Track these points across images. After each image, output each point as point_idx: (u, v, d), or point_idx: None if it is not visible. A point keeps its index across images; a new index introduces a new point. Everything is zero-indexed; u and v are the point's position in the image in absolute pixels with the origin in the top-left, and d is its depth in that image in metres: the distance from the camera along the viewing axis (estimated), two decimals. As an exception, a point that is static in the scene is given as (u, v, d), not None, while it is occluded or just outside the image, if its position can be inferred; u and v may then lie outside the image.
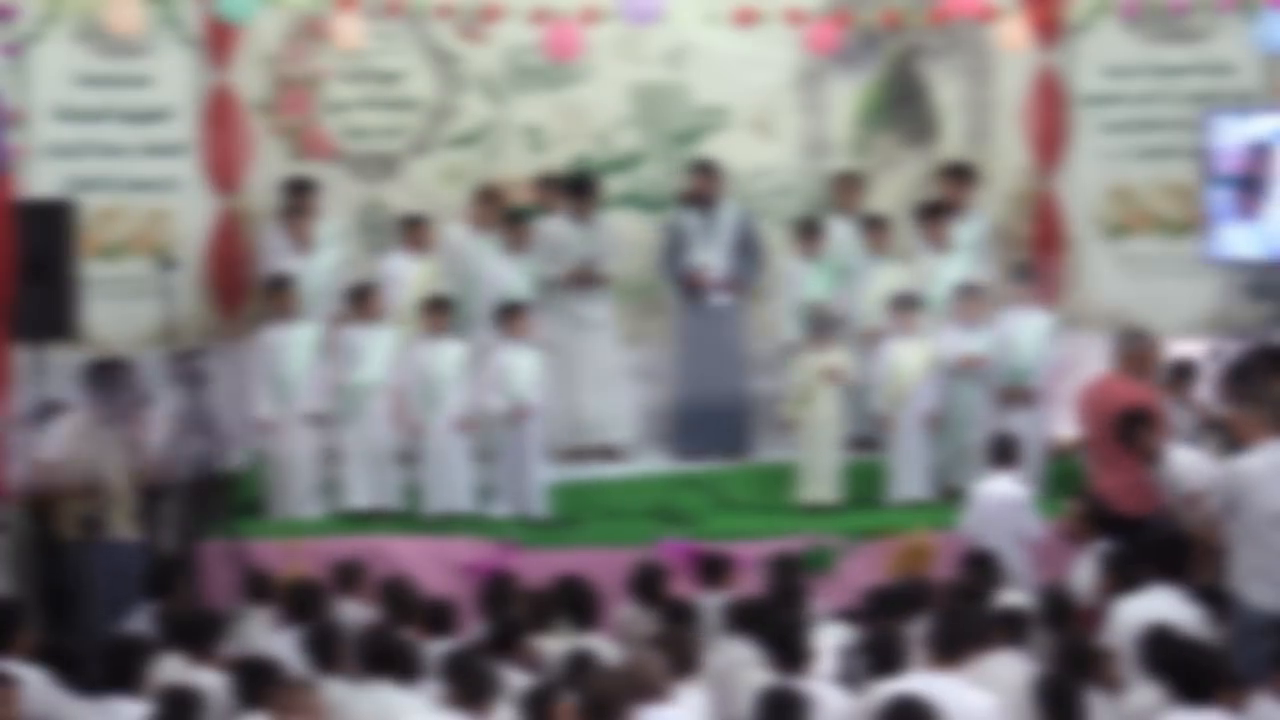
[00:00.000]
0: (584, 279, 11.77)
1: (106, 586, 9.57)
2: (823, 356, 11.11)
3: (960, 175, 12.07)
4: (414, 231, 11.73)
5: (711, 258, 11.79)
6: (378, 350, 11.06)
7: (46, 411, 10.13)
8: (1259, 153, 11.28)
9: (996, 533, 9.69)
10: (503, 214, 11.84)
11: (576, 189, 11.91)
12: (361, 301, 11.15)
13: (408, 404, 10.98)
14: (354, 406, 11.01)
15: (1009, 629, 7.79)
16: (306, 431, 11.01)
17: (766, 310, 12.10)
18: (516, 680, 7.74)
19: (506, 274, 11.59)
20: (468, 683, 7.00)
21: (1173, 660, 6.71)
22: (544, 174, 12.13)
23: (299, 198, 11.69)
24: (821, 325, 11.22)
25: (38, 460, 9.90)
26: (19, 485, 9.89)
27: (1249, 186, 11.35)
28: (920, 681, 6.87)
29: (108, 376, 10.19)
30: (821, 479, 11.13)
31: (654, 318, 12.24)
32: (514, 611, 8.84)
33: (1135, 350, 10.29)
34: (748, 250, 11.89)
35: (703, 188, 11.90)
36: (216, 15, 11.46)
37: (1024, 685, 6.99)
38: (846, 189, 12.18)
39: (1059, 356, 11.31)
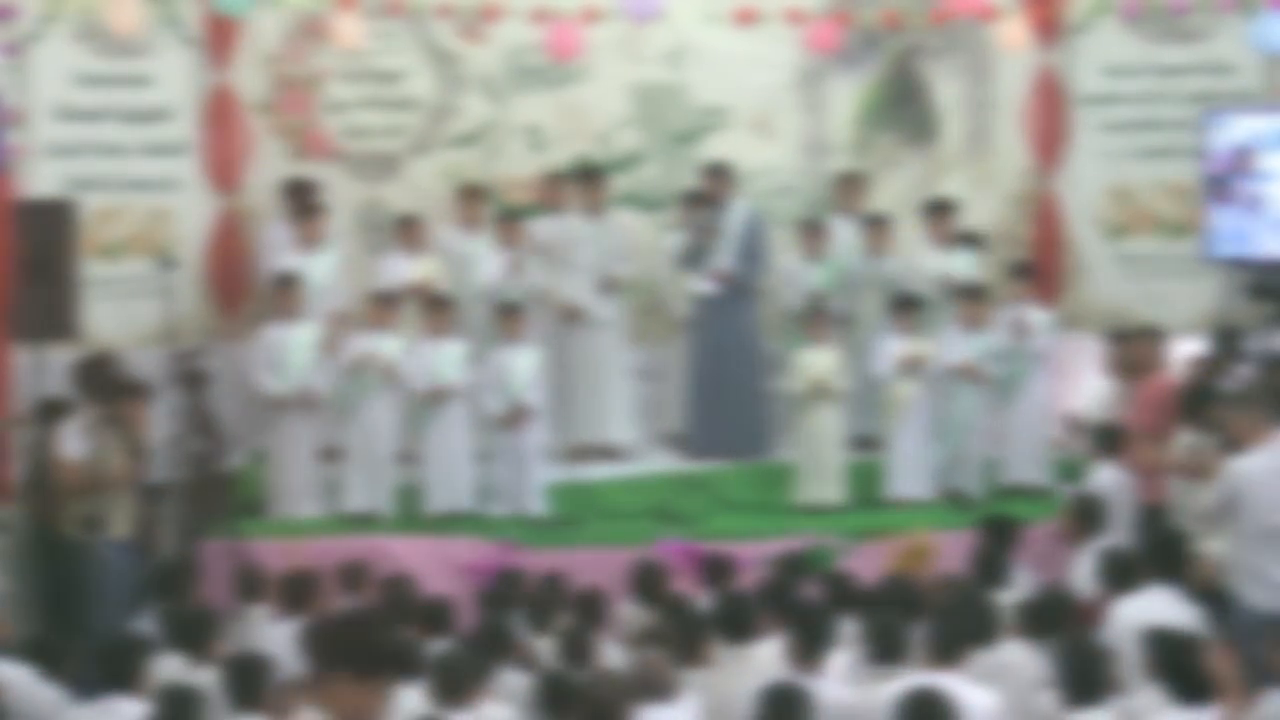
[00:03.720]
0: (607, 285, 11.80)
1: (107, 586, 9.58)
2: (818, 355, 11.10)
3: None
4: (409, 231, 11.72)
5: (720, 258, 11.75)
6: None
7: (51, 411, 10.12)
8: (1241, 155, 11.33)
9: None
10: (495, 213, 11.84)
11: (585, 179, 11.89)
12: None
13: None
14: (354, 403, 11.00)
15: (1018, 621, 7.83)
16: (306, 431, 10.99)
17: (770, 310, 12.09)
18: (515, 680, 7.75)
19: (499, 273, 11.57)
20: (448, 679, 7.01)
21: (1171, 660, 6.71)
22: (548, 172, 12.11)
23: (300, 198, 11.69)
24: (818, 321, 11.20)
25: (56, 460, 9.87)
26: (28, 485, 9.90)
27: (1231, 187, 11.40)
28: (921, 680, 6.85)
29: (97, 373, 10.18)
30: (824, 479, 11.12)
31: (657, 316, 12.20)
32: (513, 611, 8.87)
33: (1133, 351, 10.35)
34: (752, 250, 11.85)
35: (713, 189, 11.87)
36: (216, 15, 11.48)
37: (1034, 677, 7.01)
38: (849, 189, 12.16)
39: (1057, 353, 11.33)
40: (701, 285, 11.71)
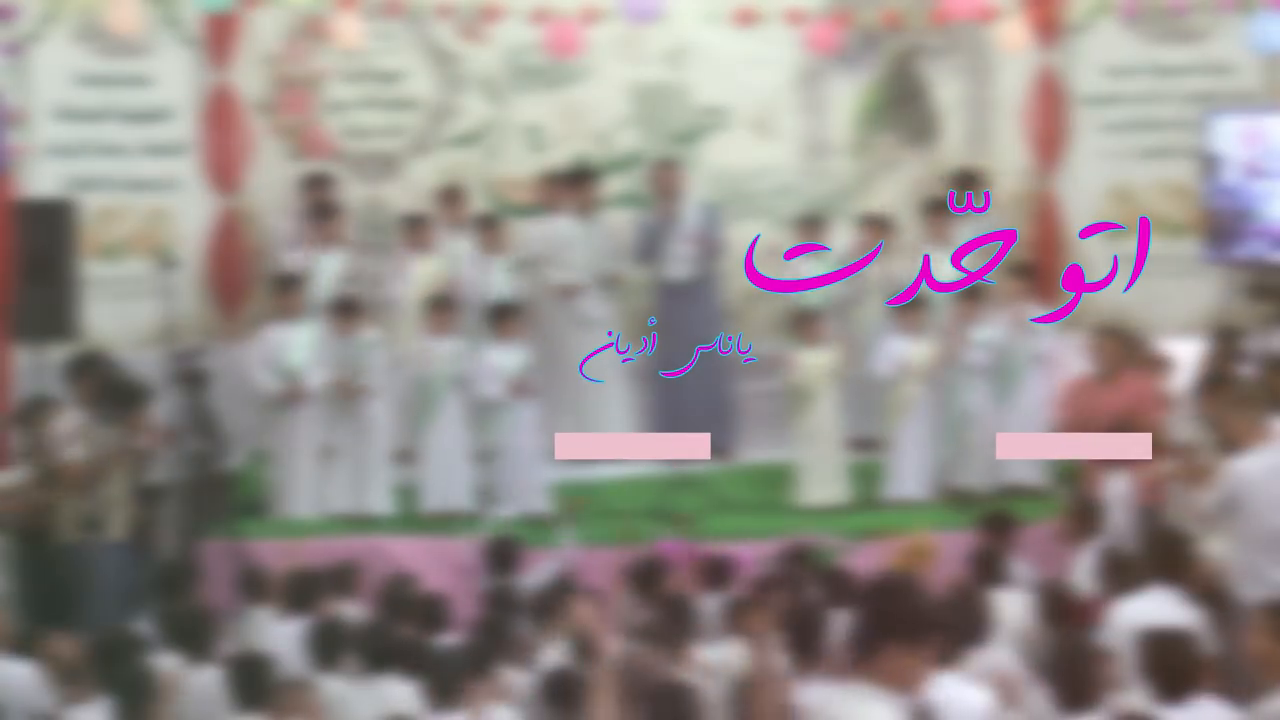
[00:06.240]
0: (604, 283, 11.80)
1: (102, 588, 9.57)
2: (816, 354, 11.10)
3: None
4: (415, 231, 11.73)
5: (679, 243, 11.72)
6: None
7: (40, 409, 10.08)
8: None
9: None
10: (476, 215, 11.84)
11: (576, 181, 11.88)
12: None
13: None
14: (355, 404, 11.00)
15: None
16: (306, 431, 10.97)
17: (762, 310, 12.08)
18: (516, 679, 7.75)
19: (483, 274, 11.57)
20: (441, 680, 7.00)
21: (1159, 659, 6.71)
22: (546, 172, 12.11)
23: (316, 194, 11.68)
24: (809, 323, 11.19)
25: (61, 463, 9.84)
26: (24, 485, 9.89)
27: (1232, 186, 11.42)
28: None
29: (87, 372, 10.17)
30: (827, 479, 11.11)
31: (644, 315, 12.17)
32: (514, 610, 8.87)
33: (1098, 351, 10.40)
34: (709, 239, 11.76)
35: (664, 183, 11.86)
36: (216, 15, 11.50)
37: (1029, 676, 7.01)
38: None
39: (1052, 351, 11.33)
40: (679, 256, 11.62)
